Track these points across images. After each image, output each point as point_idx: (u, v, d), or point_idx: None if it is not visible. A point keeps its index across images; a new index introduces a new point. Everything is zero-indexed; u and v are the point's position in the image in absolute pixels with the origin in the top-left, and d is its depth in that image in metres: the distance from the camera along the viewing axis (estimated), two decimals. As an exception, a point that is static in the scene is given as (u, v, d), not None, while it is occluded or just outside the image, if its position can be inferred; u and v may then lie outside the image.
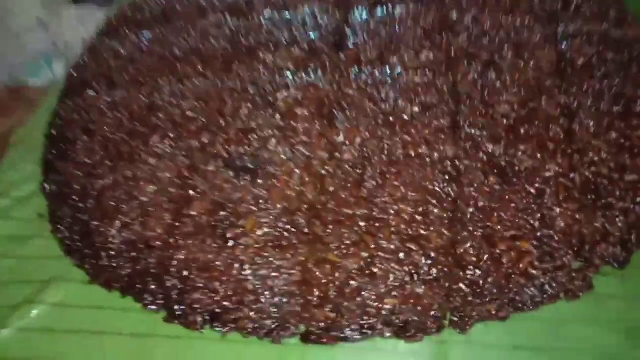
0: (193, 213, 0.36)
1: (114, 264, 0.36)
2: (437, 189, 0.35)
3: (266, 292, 0.33)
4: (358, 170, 0.36)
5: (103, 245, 0.37)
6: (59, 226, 0.40)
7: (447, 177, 0.36)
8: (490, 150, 0.37)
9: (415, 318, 0.32)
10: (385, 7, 0.48)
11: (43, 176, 0.44)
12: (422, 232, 0.34)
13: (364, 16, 0.47)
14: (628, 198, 0.35)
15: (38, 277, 0.38)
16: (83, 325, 0.35)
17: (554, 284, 0.33)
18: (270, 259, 0.34)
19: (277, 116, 0.40)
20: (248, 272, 0.34)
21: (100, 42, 0.53)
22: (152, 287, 0.35)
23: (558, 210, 0.34)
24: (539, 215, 0.34)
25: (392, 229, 0.34)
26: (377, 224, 0.34)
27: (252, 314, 0.33)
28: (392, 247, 0.33)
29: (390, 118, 0.39)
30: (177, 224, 0.36)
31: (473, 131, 0.38)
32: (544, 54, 0.43)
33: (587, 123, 0.39)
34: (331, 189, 0.36)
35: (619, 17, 0.49)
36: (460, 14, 0.47)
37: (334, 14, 0.48)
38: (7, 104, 0.62)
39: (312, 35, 0.46)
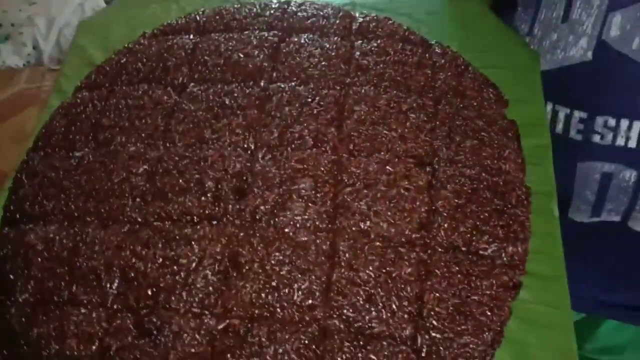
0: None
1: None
2: (303, 358, 0.44)
3: None
4: (241, 336, 0.45)
5: (38, 391, 0.46)
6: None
7: (312, 342, 0.44)
8: (349, 317, 0.45)
9: None
10: (286, 150, 0.54)
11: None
12: (286, 397, 0.43)
13: (267, 159, 0.54)
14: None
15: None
16: None
17: None
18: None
19: (181, 274, 0.48)
20: None
21: (36, 158, 0.59)
22: None
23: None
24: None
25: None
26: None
27: None
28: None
29: (272, 281, 0.47)
30: (95, 381, 0.45)
31: (339, 297, 0.46)
32: (415, 206, 0.51)
33: (436, 287, 0.47)
34: (219, 351, 0.45)
35: (496, 152, 0.55)
36: (349, 159, 0.53)
37: (240, 154, 0.54)
38: None
39: (218, 180, 0.53)
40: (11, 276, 0.51)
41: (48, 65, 0.81)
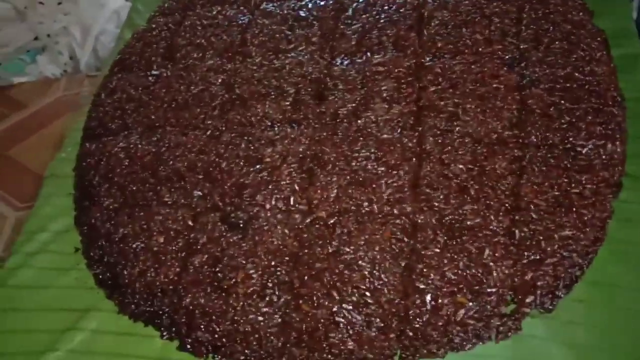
0: (196, 264, 0.44)
1: (136, 302, 0.45)
2: (393, 246, 0.42)
3: (254, 333, 0.42)
4: (329, 228, 0.44)
5: (126, 286, 0.46)
6: (92, 262, 0.49)
7: (403, 234, 0.43)
8: (442, 209, 0.43)
9: (371, 356, 0.40)
10: (365, 55, 0.52)
11: (75, 212, 0.53)
12: (378, 286, 0.41)
13: (345, 64, 0.52)
14: (558, 254, 0.42)
15: (77, 305, 0.48)
16: (115, 348, 0.45)
17: (486, 329, 0.40)
18: (257, 306, 0.42)
19: (265, 172, 0.47)
20: (239, 316, 0.42)
21: (114, 79, 0.60)
22: (166, 323, 0.44)
23: (494, 266, 0.41)
24: (477, 272, 0.41)
25: (354, 283, 0.41)
26: (341, 279, 0.42)
27: (243, 349, 0.42)
28: (353, 299, 0.41)
29: (359, 176, 0.45)
30: (183, 273, 0.44)
31: (429, 190, 0.44)
32: (506, 104, 0.48)
33: (533, 180, 0.44)
34: (306, 244, 0.43)
35: (587, 54, 0.52)
36: (432, 60, 0.51)
37: (317, 61, 0.53)
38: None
39: (297, 84, 0.52)
40: (95, 184, 0.52)
41: (86, 72, 0.82)
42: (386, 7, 0.55)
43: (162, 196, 0.48)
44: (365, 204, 0.44)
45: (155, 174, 0.49)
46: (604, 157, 0.46)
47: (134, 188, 0.49)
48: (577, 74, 0.50)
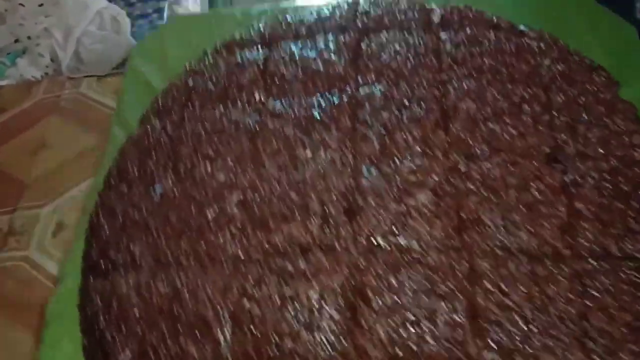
0: None
1: None
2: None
3: None
4: (386, 381, 0.39)
5: None
6: None
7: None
8: (507, 346, 0.39)
9: None
10: (392, 160, 0.48)
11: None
12: None
13: (374, 173, 0.48)
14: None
15: None
16: None
17: None
18: None
19: (302, 316, 0.42)
20: None
21: (112, 196, 0.54)
22: None
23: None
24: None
25: None
26: None
27: None
28: None
29: (412, 314, 0.41)
30: None
31: (490, 326, 0.40)
32: (554, 210, 0.44)
33: (600, 302, 0.40)
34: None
35: (626, 139, 0.49)
36: (466, 163, 0.47)
37: (341, 172, 0.48)
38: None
39: (324, 201, 0.47)
40: (107, 334, 0.46)
41: (67, 74, 0.80)
42: (406, 102, 0.51)
43: (187, 350, 0.43)
44: (423, 346, 0.40)
45: (175, 322, 0.44)
46: (664, 260, 0.43)
47: (154, 340, 0.44)
48: (621, 166, 0.47)
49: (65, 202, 0.65)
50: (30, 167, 0.67)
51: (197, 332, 0.43)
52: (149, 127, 0.58)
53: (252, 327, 0.42)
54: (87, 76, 0.82)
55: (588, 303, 0.40)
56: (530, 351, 0.39)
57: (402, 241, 0.44)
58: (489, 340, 0.39)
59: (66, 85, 0.79)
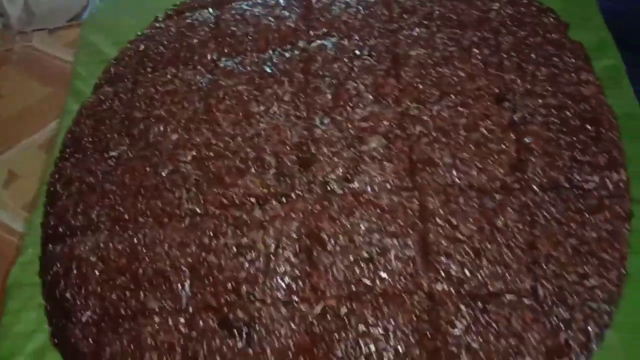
0: (200, 381, 0.40)
1: None
2: (416, 329, 0.39)
3: None
4: (341, 318, 0.40)
5: (124, 415, 0.41)
6: (78, 388, 0.44)
7: (424, 313, 0.39)
8: (459, 277, 0.40)
9: None
10: (345, 110, 0.48)
11: (49, 327, 0.47)
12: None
13: (326, 123, 0.48)
14: (586, 307, 0.39)
15: None
16: None
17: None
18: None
19: (259, 262, 0.42)
20: None
21: (67, 166, 0.53)
22: None
23: (525, 334, 0.38)
24: (509, 343, 0.38)
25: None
26: (366, 375, 0.38)
27: None
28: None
29: (365, 252, 0.41)
30: (187, 393, 0.40)
31: (442, 258, 0.41)
32: (503, 147, 0.45)
33: (547, 230, 0.41)
34: (320, 338, 0.39)
35: (574, 77, 0.50)
36: (418, 108, 0.48)
37: (295, 123, 0.48)
38: None
39: (278, 153, 0.47)
40: (68, 296, 0.46)
41: (18, 29, 0.80)
42: (357, 52, 0.51)
43: (146, 303, 0.43)
44: (377, 282, 0.41)
45: (135, 278, 0.44)
46: (611, 188, 0.44)
47: (114, 297, 0.44)
48: (568, 101, 0.48)
49: (18, 152, 0.66)
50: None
51: (156, 286, 0.43)
52: (101, 95, 0.57)
53: (210, 277, 0.43)
54: (37, 30, 0.81)
55: (536, 232, 0.41)
56: (480, 279, 0.40)
57: (355, 185, 0.44)
58: (440, 272, 0.40)
59: (17, 39, 0.79)
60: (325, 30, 0.54)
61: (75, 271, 0.46)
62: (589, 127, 0.46)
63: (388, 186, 0.44)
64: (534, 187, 0.43)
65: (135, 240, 0.46)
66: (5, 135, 0.68)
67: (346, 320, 0.39)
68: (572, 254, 0.40)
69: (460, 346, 0.38)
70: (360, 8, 0.55)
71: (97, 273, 0.45)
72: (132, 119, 0.53)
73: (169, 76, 0.55)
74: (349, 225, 0.43)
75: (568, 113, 0.47)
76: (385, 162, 0.45)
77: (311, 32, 0.54)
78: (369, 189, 0.44)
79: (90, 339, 0.43)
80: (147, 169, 0.49)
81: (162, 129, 0.51)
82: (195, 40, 0.57)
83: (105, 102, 0.56)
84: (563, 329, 0.39)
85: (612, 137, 0.46)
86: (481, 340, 0.38)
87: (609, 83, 0.51)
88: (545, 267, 0.40)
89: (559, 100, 0.48)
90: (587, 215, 0.42)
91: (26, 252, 0.52)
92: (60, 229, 0.50)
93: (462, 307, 0.39)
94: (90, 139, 0.54)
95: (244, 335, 0.40)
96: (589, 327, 0.39)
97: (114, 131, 0.53)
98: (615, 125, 0.47)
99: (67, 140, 0.56)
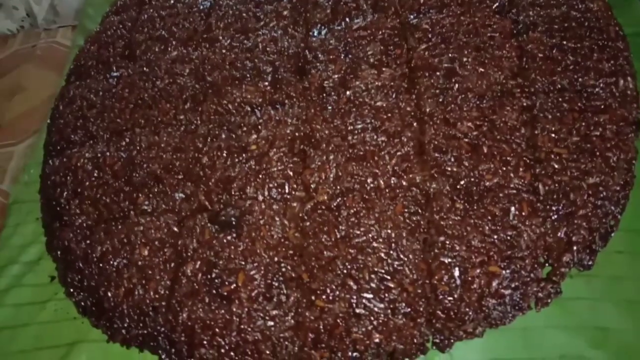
0: (188, 273, 0.39)
1: (126, 326, 0.40)
2: (407, 220, 0.38)
3: (266, 341, 0.37)
4: (333, 212, 0.39)
5: (113, 309, 0.40)
6: (70, 289, 0.44)
7: (416, 206, 0.38)
8: (455, 173, 0.39)
9: (401, 346, 0.36)
10: (343, 22, 0.48)
11: (46, 237, 0.47)
12: (398, 267, 0.36)
13: (323, 33, 0.47)
14: (589, 203, 0.37)
15: (61, 340, 0.42)
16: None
17: (524, 297, 0.36)
18: (265, 310, 0.37)
19: (252, 162, 0.42)
20: (246, 324, 0.37)
21: (71, 88, 0.54)
22: (164, 344, 0.39)
23: (523, 227, 0.37)
24: (505, 235, 0.36)
25: (370, 269, 0.36)
26: (355, 265, 0.37)
27: (255, 361, 0.37)
28: (372, 285, 0.36)
29: (359, 150, 0.41)
30: (175, 285, 0.39)
31: (437, 154, 0.40)
32: (504, 52, 0.44)
33: (548, 128, 0.40)
34: (310, 233, 0.38)
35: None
36: (417, 17, 0.47)
37: (293, 35, 0.48)
38: None
39: (274, 62, 0.47)
40: (63, 202, 0.46)
41: (44, 27, 0.84)
42: (357, -32, 0.51)
43: (140, 204, 0.43)
44: (370, 179, 0.39)
45: (129, 181, 0.44)
46: (617, 94, 0.42)
47: (108, 200, 0.44)
48: (573, 12, 0.46)
49: (37, 140, 0.68)
50: (5, 112, 0.71)
51: (150, 188, 0.43)
52: (107, 25, 0.58)
53: (203, 177, 0.42)
54: (62, 26, 0.84)
55: (536, 129, 0.40)
56: (477, 175, 0.38)
57: (351, 90, 0.44)
58: (435, 169, 0.39)
59: (42, 36, 0.83)
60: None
61: (72, 179, 0.46)
62: (595, 36, 0.45)
63: (385, 90, 0.43)
64: (537, 87, 0.42)
65: (132, 148, 0.46)
66: (26, 125, 0.70)
67: (337, 214, 0.39)
68: (576, 151, 0.39)
69: (454, 237, 0.37)
70: None
71: (93, 179, 0.45)
72: (134, 42, 0.54)
73: (172, 1, 0.55)
74: (342, 126, 0.42)
75: (573, 23, 0.45)
76: (383, 68, 0.44)
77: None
78: (365, 93, 0.43)
79: (83, 242, 0.43)
80: (145, 83, 0.49)
81: (162, 47, 0.52)
82: (196, -33, 0.57)
83: (109, 30, 0.57)
84: (564, 224, 0.37)
85: (619, 47, 0.45)
86: (476, 233, 0.37)
87: (617, 3, 0.49)
88: (546, 163, 0.39)
89: (563, 10, 0.46)
90: (592, 115, 0.40)
91: (28, 172, 0.53)
92: (61, 144, 0.50)
93: (458, 201, 0.38)
94: (94, 63, 0.55)
95: (234, 229, 0.39)
96: (592, 225, 0.37)
97: (116, 55, 0.54)
98: (622, 36, 0.46)
99: (72, 68, 0.57)
